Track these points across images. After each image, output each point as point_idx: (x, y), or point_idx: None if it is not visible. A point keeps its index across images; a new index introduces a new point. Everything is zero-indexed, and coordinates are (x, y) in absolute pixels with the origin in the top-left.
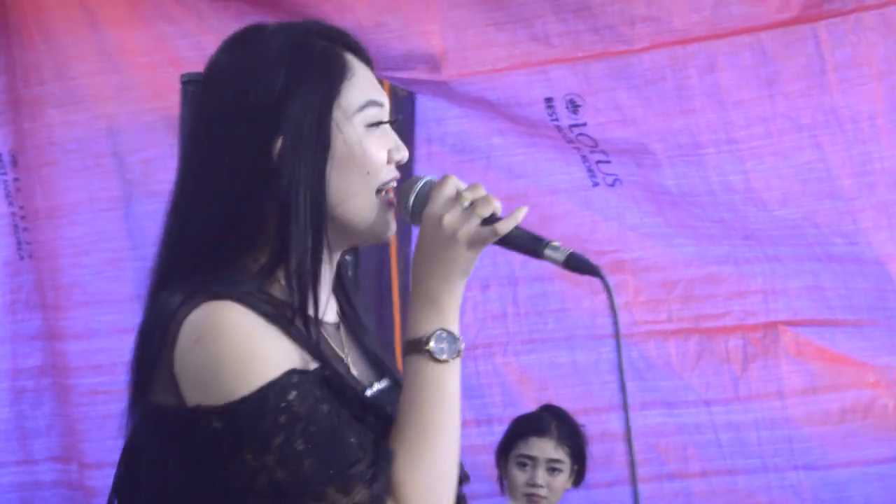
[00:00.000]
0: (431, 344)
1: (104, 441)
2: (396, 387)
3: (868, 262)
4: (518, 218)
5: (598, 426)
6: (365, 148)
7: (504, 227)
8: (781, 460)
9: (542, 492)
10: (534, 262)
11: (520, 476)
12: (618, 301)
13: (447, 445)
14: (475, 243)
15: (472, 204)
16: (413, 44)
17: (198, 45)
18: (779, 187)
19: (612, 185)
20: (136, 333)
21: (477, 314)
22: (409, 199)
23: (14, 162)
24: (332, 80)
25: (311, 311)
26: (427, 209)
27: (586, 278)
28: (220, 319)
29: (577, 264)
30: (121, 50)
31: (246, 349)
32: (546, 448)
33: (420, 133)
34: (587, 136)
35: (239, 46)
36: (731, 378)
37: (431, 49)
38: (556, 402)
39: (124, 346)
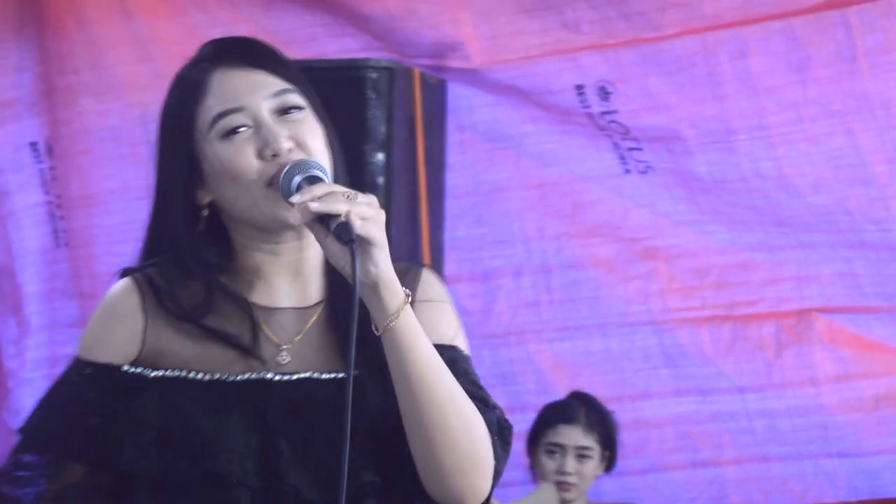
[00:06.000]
0: None
1: None
2: (330, 383)
3: None
4: None
5: (631, 414)
6: (222, 158)
7: None
8: (815, 447)
9: (572, 479)
10: (567, 250)
11: (549, 464)
12: (651, 288)
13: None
14: None
15: None
16: (444, 31)
17: (230, 34)
18: (811, 173)
19: (644, 172)
20: None
21: (511, 301)
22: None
23: (49, 151)
24: (187, 108)
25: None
26: None
27: (621, 265)
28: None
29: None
30: (154, 38)
31: (94, 323)
32: (574, 435)
33: (451, 121)
34: (618, 123)
35: None
36: (765, 365)
37: (462, 37)
38: (589, 390)
39: None
